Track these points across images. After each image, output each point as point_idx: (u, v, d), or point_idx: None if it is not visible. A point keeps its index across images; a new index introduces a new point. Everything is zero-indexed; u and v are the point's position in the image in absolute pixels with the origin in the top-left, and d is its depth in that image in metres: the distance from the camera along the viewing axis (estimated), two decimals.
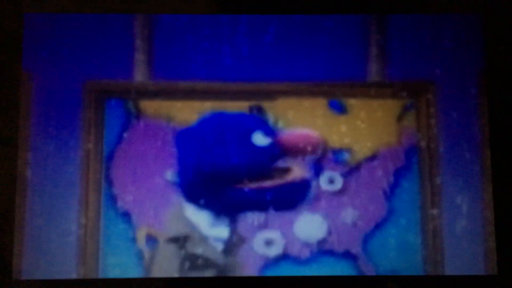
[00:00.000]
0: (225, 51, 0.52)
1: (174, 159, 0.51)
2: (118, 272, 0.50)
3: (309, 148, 0.51)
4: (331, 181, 0.51)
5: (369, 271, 0.50)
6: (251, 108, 0.52)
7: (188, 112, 0.52)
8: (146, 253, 0.50)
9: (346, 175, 0.51)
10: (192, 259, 0.50)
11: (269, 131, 0.51)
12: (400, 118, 0.52)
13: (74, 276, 0.49)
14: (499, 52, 0.53)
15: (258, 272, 0.50)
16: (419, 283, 0.51)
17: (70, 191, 0.50)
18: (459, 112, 0.52)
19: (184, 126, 0.51)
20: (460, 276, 0.50)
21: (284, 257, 0.50)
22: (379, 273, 0.50)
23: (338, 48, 0.52)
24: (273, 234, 0.51)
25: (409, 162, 0.51)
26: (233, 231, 0.50)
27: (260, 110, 0.52)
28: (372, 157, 0.51)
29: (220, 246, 0.50)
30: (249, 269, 0.50)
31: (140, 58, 0.52)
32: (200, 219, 0.50)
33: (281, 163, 0.51)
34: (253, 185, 0.51)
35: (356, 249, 0.50)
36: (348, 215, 0.51)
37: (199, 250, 0.50)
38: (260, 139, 0.51)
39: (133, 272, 0.50)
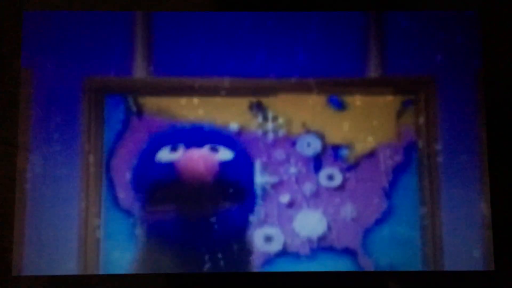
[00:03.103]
0: (224, 47, 0.52)
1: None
2: (118, 269, 0.50)
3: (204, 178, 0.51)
4: (331, 178, 0.51)
5: (368, 267, 0.50)
6: (251, 105, 0.52)
7: (188, 109, 0.52)
8: (146, 249, 0.50)
9: (345, 171, 0.51)
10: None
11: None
12: (399, 114, 0.52)
13: (74, 272, 0.49)
14: (497, 49, 0.54)
15: (258, 268, 0.50)
16: (418, 279, 0.51)
17: (70, 187, 0.50)
18: (458, 109, 0.52)
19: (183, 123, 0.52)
20: (458, 272, 0.50)
21: (284, 253, 0.51)
22: (378, 269, 0.50)
23: (337, 45, 0.52)
24: (273, 230, 0.51)
25: (408, 158, 0.51)
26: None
27: (260, 106, 0.52)
28: (372, 154, 0.51)
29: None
30: (249, 265, 0.50)
31: (139, 54, 0.52)
32: None
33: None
34: None
35: (355, 245, 0.50)
36: (348, 211, 0.51)
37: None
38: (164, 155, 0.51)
39: (133, 268, 0.50)
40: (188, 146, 0.51)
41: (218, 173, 0.51)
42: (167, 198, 0.51)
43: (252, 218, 0.51)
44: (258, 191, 0.51)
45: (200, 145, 0.51)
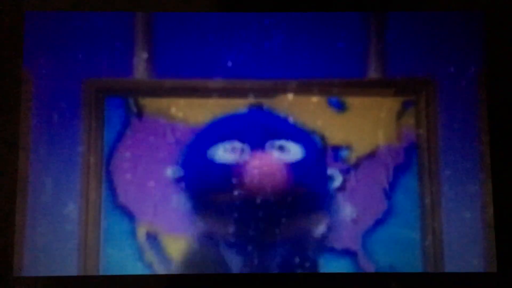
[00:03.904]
0: (225, 48, 0.52)
1: (178, 156, 0.51)
2: (119, 269, 0.50)
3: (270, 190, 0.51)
4: (331, 179, 0.51)
5: (368, 268, 0.50)
6: (251, 106, 0.52)
7: (189, 110, 0.52)
8: (147, 250, 0.50)
9: (345, 172, 0.51)
10: (194, 256, 0.50)
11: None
12: (399, 115, 0.52)
13: (75, 272, 0.50)
14: (500, 50, 0.53)
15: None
16: (419, 280, 0.51)
17: (70, 188, 0.50)
18: (458, 110, 0.52)
19: (187, 124, 0.51)
20: (459, 274, 0.50)
21: None
22: (378, 270, 0.50)
23: (337, 46, 0.52)
24: None
25: (408, 159, 0.51)
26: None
27: (260, 108, 0.52)
28: (372, 155, 0.51)
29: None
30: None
31: (140, 55, 0.52)
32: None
33: None
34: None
35: (355, 246, 0.50)
36: (347, 212, 0.51)
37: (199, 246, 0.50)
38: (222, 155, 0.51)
39: (134, 269, 0.50)
40: (250, 144, 0.51)
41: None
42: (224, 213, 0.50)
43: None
44: None
45: (261, 142, 0.51)
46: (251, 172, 0.50)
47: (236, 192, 0.50)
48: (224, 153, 0.51)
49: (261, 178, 0.50)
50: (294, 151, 0.51)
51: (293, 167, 0.51)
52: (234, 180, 0.50)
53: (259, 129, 0.51)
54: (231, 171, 0.50)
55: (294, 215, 0.50)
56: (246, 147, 0.51)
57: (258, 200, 0.50)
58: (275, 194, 0.50)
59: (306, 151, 0.51)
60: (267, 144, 0.51)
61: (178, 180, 0.50)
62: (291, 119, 0.51)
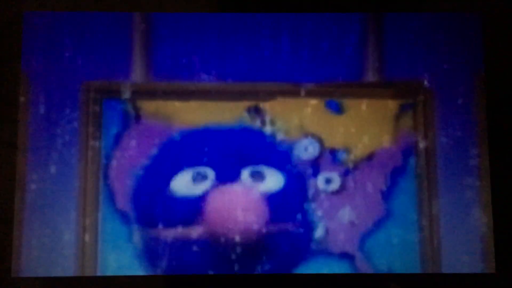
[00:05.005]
0: (223, 51, 0.52)
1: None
2: (116, 270, 0.50)
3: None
4: (329, 181, 0.51)
5: (366, 270, 0.50)
6: (249, 109, 0.51)
7: (187, 113, 0.52)
8: (145, 251, 0.50)
9: (343, 175, 0.51)
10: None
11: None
12: (397, 118, 0.52)
13: (72, 273, 0.50)
14: (498, 52, 0.53)
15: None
16: (417, 281, 0.51)
17: (68, 190, 0.50)
18: (456, 112, 0.52)
19: (185, 127, 0.51)
20: (458, 275, 0.50)
21: None
22: (376, 272, 0.50)
23: (335, 48, 0.52)
24: None
25: (406, 162, 0.51)
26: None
27: (257, 110, 0.52)
28: (370, 157, 0.51)
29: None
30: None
31: (138, 58, 0.52)
32: None
33: None
34: None
35: (353, 249, 0.50)
36: (346, 215, 0.51)
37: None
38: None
39: (132, 269, 0.50)
40: (217, 169, 0.50)
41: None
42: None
43: None
44: None
45: (233, 167, 0.50)
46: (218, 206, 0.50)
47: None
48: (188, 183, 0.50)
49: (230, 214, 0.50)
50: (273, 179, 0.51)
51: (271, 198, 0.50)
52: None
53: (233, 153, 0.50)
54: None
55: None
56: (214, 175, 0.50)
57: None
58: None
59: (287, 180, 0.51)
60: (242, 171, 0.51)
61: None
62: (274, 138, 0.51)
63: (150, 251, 0.50)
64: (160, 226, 0.50)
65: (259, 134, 0.51)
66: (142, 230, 0.50)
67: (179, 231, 0.49)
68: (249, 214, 0.50)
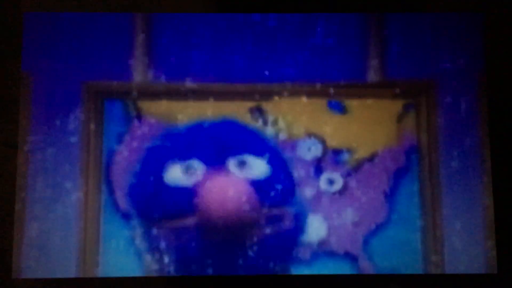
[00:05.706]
0: (224, 51, 0.52)
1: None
2: (117, 271, 0.50)
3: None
4: (331, 182, 0.51)
5: (369, 271, 0.50)
6: (251, 109, 0.51)
7: (188, 113, 0.51)
8: (146, 252, 0.50)
9: (346, 175, 0.51)
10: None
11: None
12: (400, 118, 0.52)
13: (73, 275, 0.49)
14: (500, 52, 0.53)
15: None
16: (420, 282, 0.51)
17: (70, 190, 0.50)
18: (459, 112, 0.52)
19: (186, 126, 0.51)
20: (460, 275, 0.50)
21: None
22: (379, 273, 0.50)
23: (337, 48, 0.52)
24: None
25: (409, 162, 0.51)
26: None
27: (260, 110, 0.51)
28: (372, 158, 0.51)
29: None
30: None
31: (139, 58, 0.52)
32: None
33: None
34: None
35: (356, 250, 0.50)
36: (348, 215, 0.51)
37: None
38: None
39: (132, 271, 0.50)
40: (206, 161, 0.51)
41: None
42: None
43: None
44: None
45: (220, 158, 0.51)
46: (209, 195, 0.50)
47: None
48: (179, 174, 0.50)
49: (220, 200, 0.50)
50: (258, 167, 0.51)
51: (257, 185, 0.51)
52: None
53: (219, 144, 0.51)
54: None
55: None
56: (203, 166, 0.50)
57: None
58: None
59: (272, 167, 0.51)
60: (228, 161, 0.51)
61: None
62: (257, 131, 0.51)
63: (150, 247, 0.50)
64: (158, 219, 0.50)
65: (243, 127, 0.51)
66: (142, 226, 0.50)
67: (175, 222, 0.50)
68: (239, 201, 0.50)
